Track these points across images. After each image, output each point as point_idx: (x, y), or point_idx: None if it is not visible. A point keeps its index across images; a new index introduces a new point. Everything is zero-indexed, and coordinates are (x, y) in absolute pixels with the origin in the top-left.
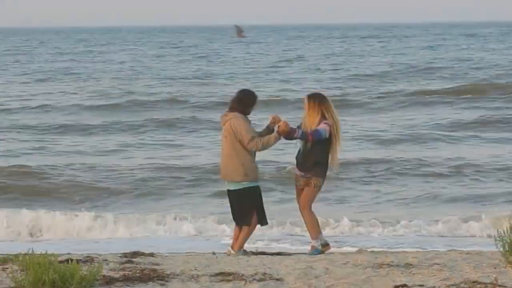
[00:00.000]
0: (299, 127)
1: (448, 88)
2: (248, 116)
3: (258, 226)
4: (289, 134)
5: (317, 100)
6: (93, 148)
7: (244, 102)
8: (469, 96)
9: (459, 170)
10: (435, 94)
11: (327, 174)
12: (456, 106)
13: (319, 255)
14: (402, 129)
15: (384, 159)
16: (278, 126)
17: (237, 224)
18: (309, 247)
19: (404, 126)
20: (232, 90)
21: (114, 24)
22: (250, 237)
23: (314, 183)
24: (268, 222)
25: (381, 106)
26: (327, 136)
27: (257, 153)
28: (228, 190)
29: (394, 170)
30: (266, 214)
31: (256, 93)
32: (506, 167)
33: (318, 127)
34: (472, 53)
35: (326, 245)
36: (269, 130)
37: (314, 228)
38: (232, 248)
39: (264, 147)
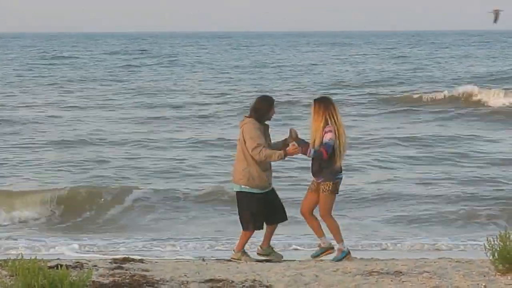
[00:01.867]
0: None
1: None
2: (269, 121)
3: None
4: (303, 154)
5: (322, 105)
6: None
7: (258, 110)
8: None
9: None
10: None
11: (338, 177)
12: None
13: (308, 263)
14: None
15: None
16: (287, 149)
17: (267, 223)
18: (335, 252)
19: None
20: None
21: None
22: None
23: (322, 188)
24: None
25: None
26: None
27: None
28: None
29: None
30: (263, 221)
31: (272, 98)
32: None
33: (326, 140)
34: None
35: (330, 248)
36: (285, 144)
37: (337, 233)
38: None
39: (266, 158)
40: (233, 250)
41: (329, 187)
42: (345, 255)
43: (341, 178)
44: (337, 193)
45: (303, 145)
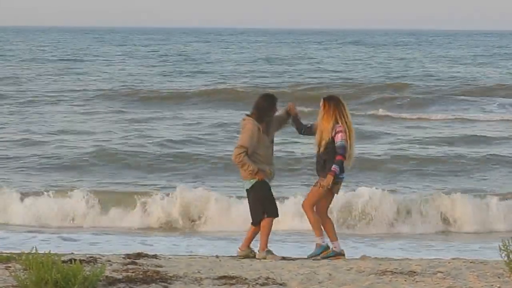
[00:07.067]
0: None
1: None
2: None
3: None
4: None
5: (332, 103)
6: None
7: (261, 108)
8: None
9: None
10: None
11: (340, 176)
12: None
13: (321, 261)
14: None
15: None
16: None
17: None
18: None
19: None
20: None
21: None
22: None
23: (320, 183)
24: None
25: None
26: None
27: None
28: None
29: None
30: (274, 208)
31: (275, 97)
32: None
33: (339, 141)
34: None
35: (340, 254)
36: (287, 114)
37: (316, 226)
38: (239, 248)
39: (239, 164)
40: (239, 249)
41: (328, 183)
42: (323, 250)
43: (342, 178)
44: (337, 194)
45: (300, 125)
